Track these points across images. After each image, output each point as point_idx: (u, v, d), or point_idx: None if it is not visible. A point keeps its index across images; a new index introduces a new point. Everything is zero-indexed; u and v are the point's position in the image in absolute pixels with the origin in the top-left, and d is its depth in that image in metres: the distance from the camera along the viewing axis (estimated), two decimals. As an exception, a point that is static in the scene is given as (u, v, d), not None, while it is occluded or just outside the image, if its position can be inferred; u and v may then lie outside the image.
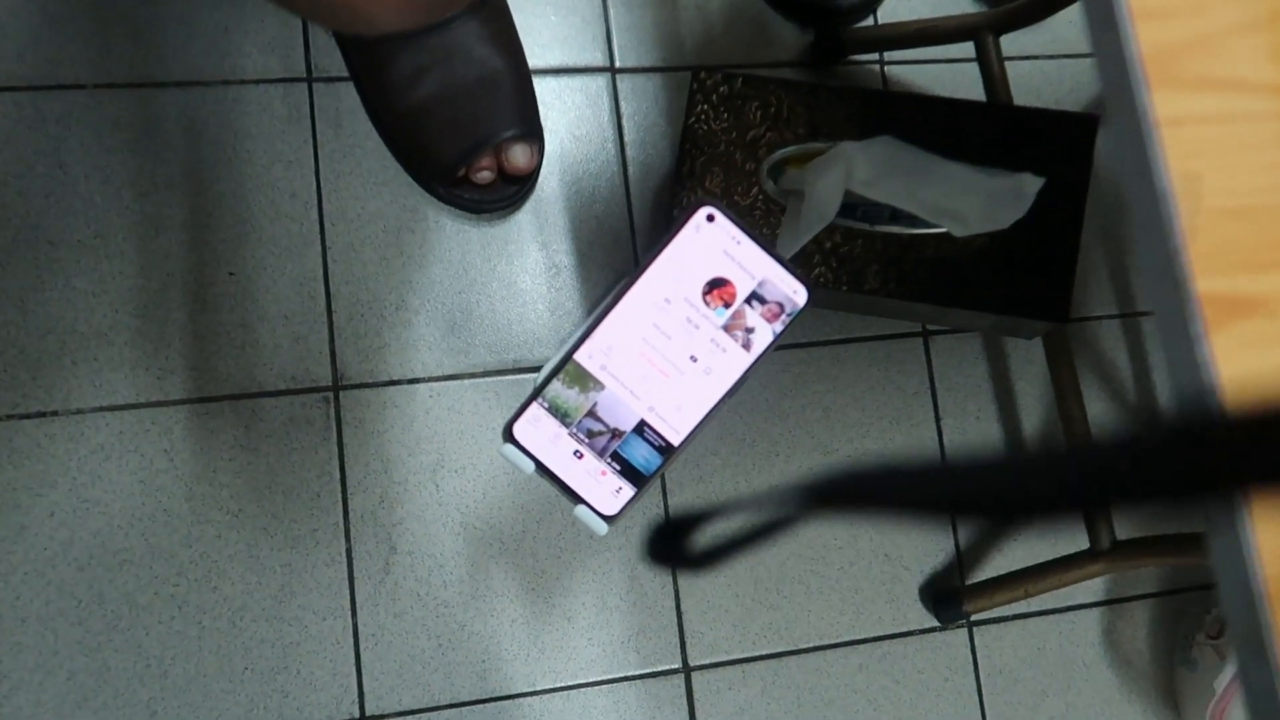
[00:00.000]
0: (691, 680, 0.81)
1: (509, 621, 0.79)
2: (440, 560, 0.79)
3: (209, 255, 0.79)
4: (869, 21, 0.90)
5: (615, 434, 0.65)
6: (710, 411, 0.65)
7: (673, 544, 0.30)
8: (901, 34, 0.85)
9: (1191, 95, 0.29)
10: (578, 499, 0.65)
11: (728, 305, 0.63)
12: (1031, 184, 0.64)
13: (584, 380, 0.64)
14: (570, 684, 0.79)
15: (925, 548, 0.86)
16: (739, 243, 0.62)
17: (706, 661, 0.82)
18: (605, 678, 0.80)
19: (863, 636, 0.84)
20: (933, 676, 0.85)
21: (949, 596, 0.84)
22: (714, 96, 0.75)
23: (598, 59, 0.87)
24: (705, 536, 0.30)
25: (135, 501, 0.75)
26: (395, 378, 0.80)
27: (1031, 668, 0.86)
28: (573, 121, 0.86)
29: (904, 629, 0.85)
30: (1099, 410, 0.89)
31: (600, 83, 0.87)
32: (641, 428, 0.64)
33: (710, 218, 0.63)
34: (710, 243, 0.62)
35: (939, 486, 0.25)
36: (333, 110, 0.82)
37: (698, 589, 0.82)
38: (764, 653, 0.83)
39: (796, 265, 0.63)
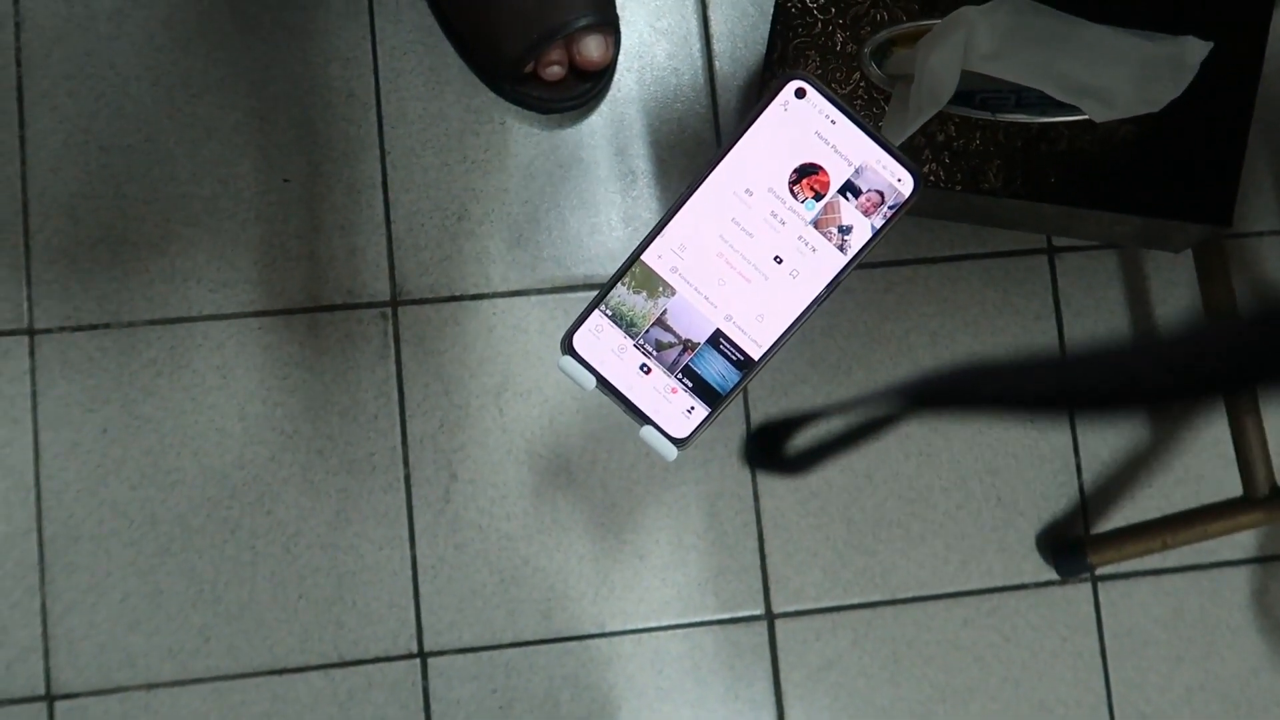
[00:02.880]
0: (775, 628, 0.74)
1: (576, 558, 0.73)
2: (503, 490, 0.73)
3: (262, 162, 0.74)
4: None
5: (687, 346, 0.56)
6: (796, 321, 0.56)
7: (770, 447, 0.29)
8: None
9: None
10: (644, 419, 0.57)
11: (819, 197, 0.54)
12: (1196, 50, 0.53)
13: (652, 284, 0.56)
14: (642, 627, 0.73)
15: (1044, 491, 0.76)
16: (834, 122, 0.53)
17: (792, 609, 0.74)
18: (680, 621, 0.73)
19: (970, 588, 0.75)
20: (1049, 635, 0.76)
21: (1071, 547, 0.74)
22: (810, -31, 0.66)
23: (681, -58, 0.78)
24: (803, 439, 0.28)
25: (188, 420, 0.71)
26: (457, 293, 0.74)
27: (1166, 630, 0.76)
28: (652, 11, 0.77)
29: (1017, 581, 0.76)
30: (1256, 340, 0.77)
31: (683, -31, 0.78)
32: (717, 339, 0.56)
33: (800, 92, 0.54)
34: (800, 123, 0.53)
35: (1048, 379, 0.24)
36: (392, 4, 0.76)
37: (784, 528, 0.74)
38: (856, 601, 0.75)
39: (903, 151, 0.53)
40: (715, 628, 0.74)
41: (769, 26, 0.69)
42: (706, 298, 0.52)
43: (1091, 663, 0.76)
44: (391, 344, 0.73)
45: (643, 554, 0.74)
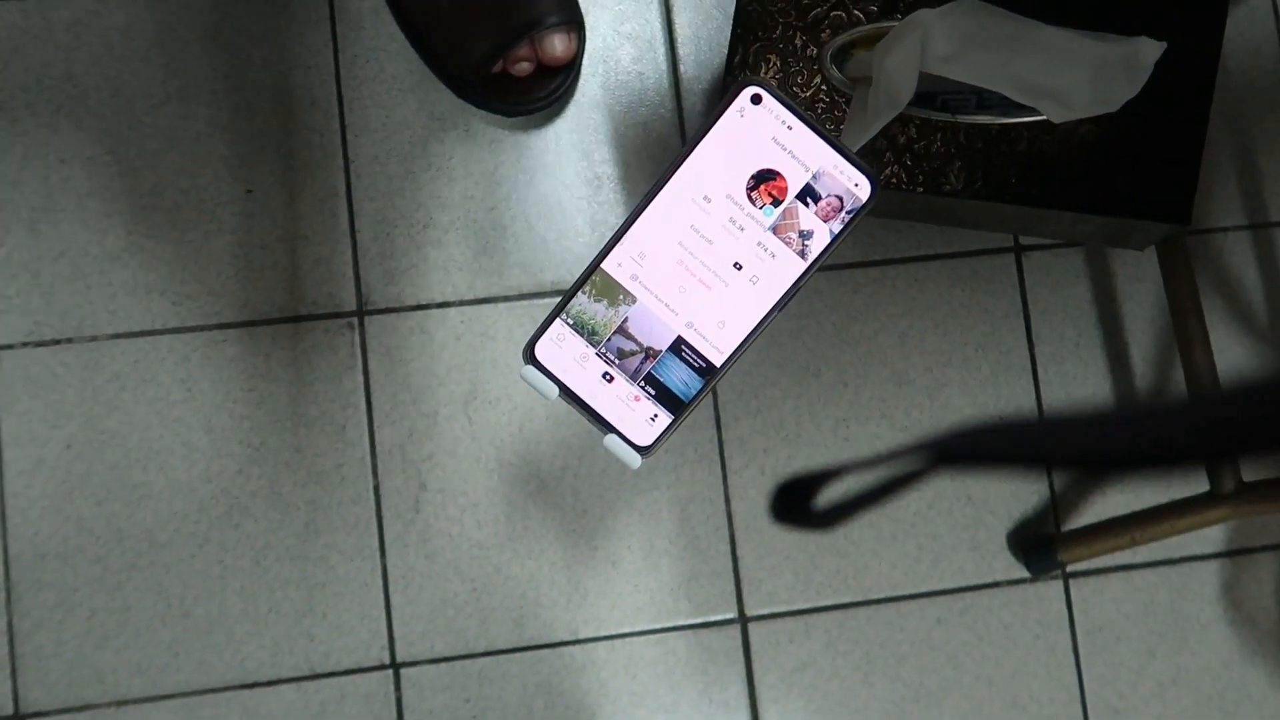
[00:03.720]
0: (749, 631, 0.74)
1: (548, 565, 0.73)
2: (473, 498, 0.73)
3: (225, 172, 0.74)
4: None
5: (649, 354, 0.56)
6: (758, 327, 0.56)
7: (795, 503, 0.29)
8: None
9: None
10: (608, 428, 0.57)
11: (777, 202, 0.54)
12: (1150, 50, 0.53)
13: (613, 292, 0.56)
14: (615, 633, 0.73)
15: (1015, 491, 0.77)
16: (790, 128, 0.53)
17: (765, 611, 0.74)
18: (654, 627, 0.73)
19: (942, 587, 0.76)
20: (1021, 632, 0.76)
21: (1042, 544, 0.74)
22: (770, -28, 0.65)
23: (644, -55, 0.78)
24: (829, 494, 0.29)
25: (153, 434, 0.71)
26: (423, 302, 0.74)
27: (1137, 625, 0.77)
28: (616, 15, 0.77)
29: (989, 580, 0.76)
30: (1223, 336, 0.78)
31: (647, -28, 0.78)
32: (679, 346, 0.56)
33: (756, 99, 0.54)
34: (756, 129, 0.53)
35: (1066, 441, 0.24)
36: (354, 10, 0.75)
37: (756, 532, 0.74)
38: (829, 603, 0.75)
39: (860, 156, 0.53)
40: (688, 632, 0.74)
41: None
42: (667, 305, 0.52)
43: (1064, 659, 0.76)
44: (359, 354, 0.73)
45: (614, 560, 0.73)
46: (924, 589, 0.76)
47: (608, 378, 0.55)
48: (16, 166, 0.72)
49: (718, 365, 0.57)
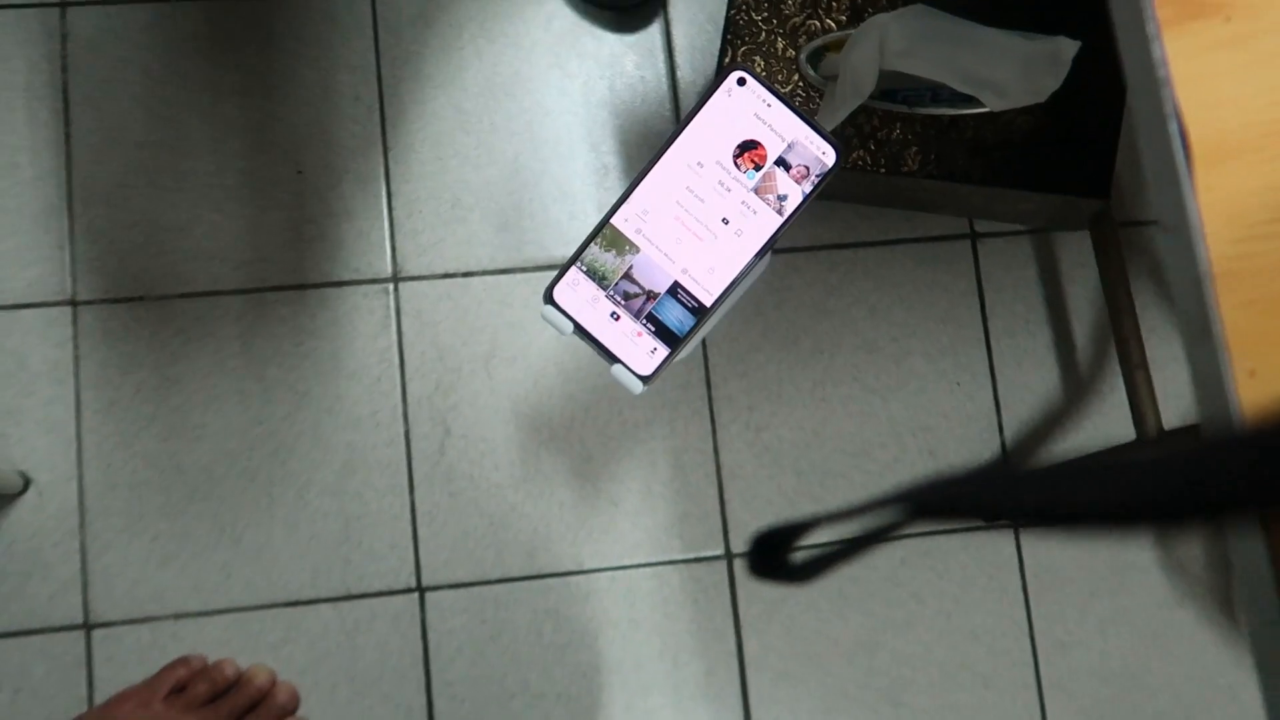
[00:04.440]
0: (734, 566, 0.83)
1: (557, 504, 0.82)
2: (492, 444, 0.82)
3: (279, 156, 0.84)
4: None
5: (650, 296, 0.66)
6: (741, 272, 0.66)
7: (772, 556, 0.29)
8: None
9: None
10: (614, 359, 0.66)
11: (758, 168, 0.64)
12: (1068, 48, 0.64)
13: (620, 244, 0.65)
14: (616, 565, 0.82)
15: (971, 446, 0.87)
16: (769, 105, 0.64)
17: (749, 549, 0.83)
18: (650, 561, 0.83)
19: (907, 532, 0.85)
20: (977, 573, 0.85)
21: (994, 492, 0.84)
22: (756, -13, 0.77)
23: (647, -32, 0.90)
24: (805, 546, 0.30)
25: (211, 381, 0.81)
26: (450, 271, 0.84)
27: (1080, 569, 0.86)
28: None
29: (949, 527, 0.86)
30: (1154, 315, 0.88)
31: (650, -9, 0.89)
32: (675, 289, 0.66)
33: (741, 81, 0.64)
34: (741, 106, 0.64)
35: (1048, 495, 0.24)
36: (394, 20, 0.86)
37: (741, 479, 0.84)
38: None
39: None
40: (681, 566, 0.83)
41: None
42: (666, 254, 0.62)
43: (1015, 597, 0.85)
44: (393, 316, 0.83)
45: (616, 501, 0.83)
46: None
47: (615, 316, 0.65)
48: (98, 148, 0.82)
49: (708, 305, 0.66)
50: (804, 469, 0.85)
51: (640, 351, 0.67)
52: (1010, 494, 0.25)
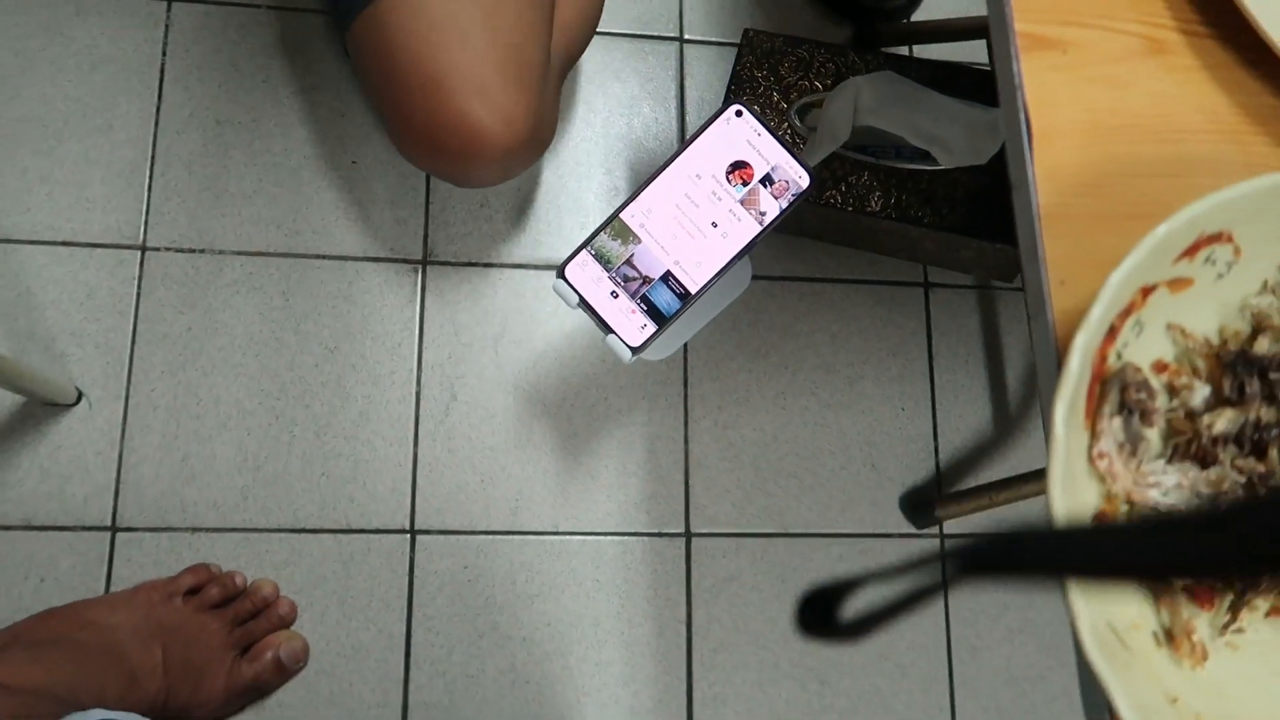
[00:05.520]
0: (691, 544, 0.94)
1: (542, 471, 0.93)
2: (491, 412, 0.94)
3: (338, 146, 0.97)
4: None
5: (645, 280, 0.78)
6: (723, 268, 0.78)
7: (821, 614, 0.29)
8: (925, 30, 1.01)
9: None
10: (609, 330, 0.78)
11: (745, 184, 0.77)
12: (1004, 119, 0.79)
13: (626, 234, 0.78)
14: (588, 531, 0.93)
15: (909, 463, 0.99)
16: (759, 135, 0.77)
17: (706, 530, 0.94)
18: (618, 530, 0.93)
19: (846, 531, 0.96)
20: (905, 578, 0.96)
21: (924, 504, 0.96)
22: (759, 50, 0.92)
23: (670, 29, 1.05)
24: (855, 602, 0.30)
25: (254, 328, 0.92)
26: (474, 260, 0.97)
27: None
28: (644, 75, 1.03)
29: (883, 531, 0.97)
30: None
31: (669, 49, 1.05)
32: (667, 277, 0.78)
33: (739, 113, 0.77)
34: (736, 133, 0.77)
35: (1094, 552, 0.25)
36: (450, 46, 1.01)
37: (706, 467, 0.95)
38: (757, 531, 0.95)
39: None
40: (645, 539, 0.94)
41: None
42: (662, 247, 0.75)
43: (936, 603, 0.96)
44: (419, 293, 0.95)
45: (594, 474, 0.94)
46: (832, 531, 0.96)
47: (614, 294, 0.77)
48: (183, 120, 0.96)
49: (693, 292, 0.79)
50: (761, 465, 0.96)
51: (633, 326, 0.79)
52: (1066, 552, 0.25)
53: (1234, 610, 0.37)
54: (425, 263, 0.96)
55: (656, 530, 0.94)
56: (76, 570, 0.85)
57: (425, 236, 0.97)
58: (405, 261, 0.96)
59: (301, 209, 0.95)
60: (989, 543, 0.26)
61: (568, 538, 0.93)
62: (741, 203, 0.79)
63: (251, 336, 0.92)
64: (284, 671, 0.84)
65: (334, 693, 0.86)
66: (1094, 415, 0.37)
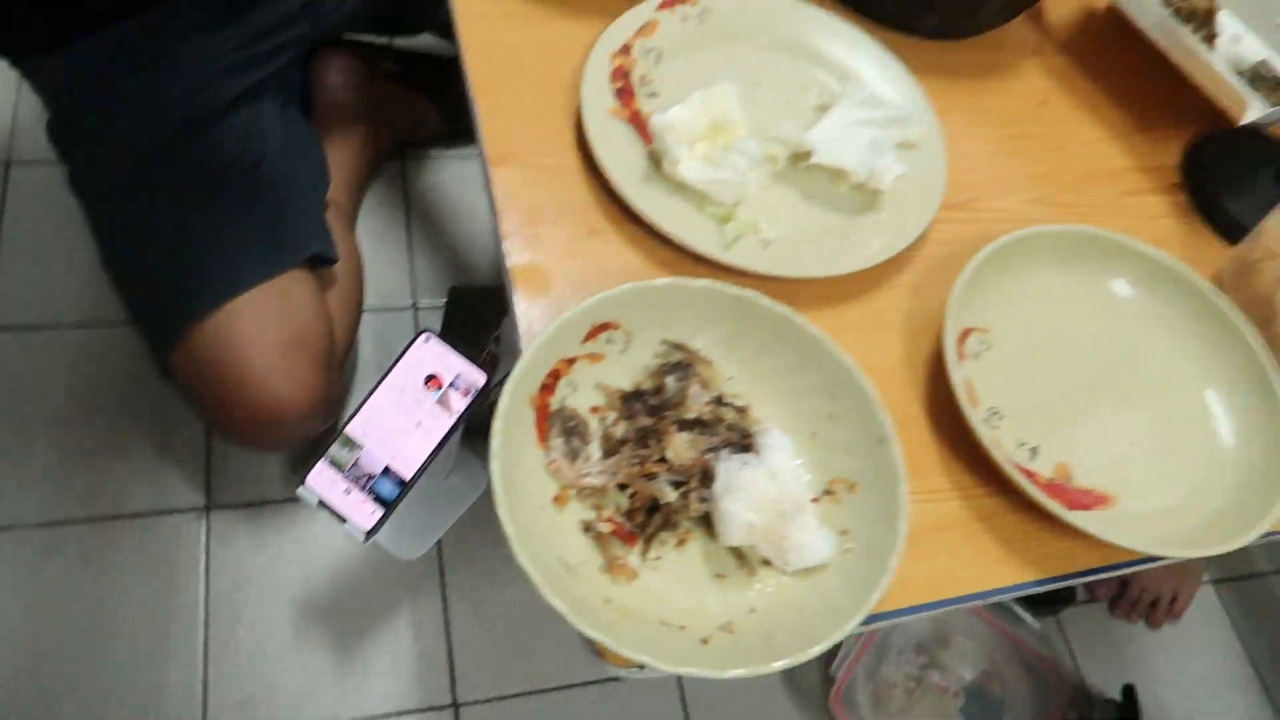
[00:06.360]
0: (460, 714, 1.09)
1: (319, 671, 1.08)
2: (272, 625, 1.09)
3: (128, 425, 1.16)
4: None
5: (370, 476, 0.94)
6: (430, 457, 0.95)
7: None
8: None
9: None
10: (344, 519, 0.94)
11: (439, 389, 0.97)
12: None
13: (353, 444, 0.95)
14: (366, 715, 1.07)
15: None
16: (444, 353, 0.97)
17: (473, 699, 1.09)
18: (395, 711, 1.07)
19: (592, 679, 1.13)
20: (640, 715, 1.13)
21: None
22: (465, 301, 1.18)
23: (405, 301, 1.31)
24: None
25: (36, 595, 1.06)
26: (252, 500, 1.15)
27: (732, 698, 1.14)
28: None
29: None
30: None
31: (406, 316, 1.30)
32: (386, 471, 0.94)
33: (427, 338, 0.98)
34: (429, 353, 0.96)
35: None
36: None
37: (467, 643, 1.12)
38: (518, 691, 1.11)
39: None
40: (416, 714, 1.08)
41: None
42: (381, 447, 0.94)
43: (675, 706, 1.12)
44: (203, 540, 1.12)
45: (367, 664, 1.09)
46: (583, 680, 1.13)
47: (347, 490, 0.94)
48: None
49: (408, 479, 0.96)
50: (514, 631, 1.14)
51: (365, 513, 0.93)
52: None
53: (646, 545, 0.61)
54: (209, 509, 1.14)
55: (426, 705, 1.09)
56: None
57: (207, 482, 1.15)
58: (188, 511, 1.13)
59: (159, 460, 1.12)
60: None
61: (348, 726, 1.06)
62: (437, 404, 0.96)
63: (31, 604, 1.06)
64: None
65: None
66: (545, 438, 0.61)
